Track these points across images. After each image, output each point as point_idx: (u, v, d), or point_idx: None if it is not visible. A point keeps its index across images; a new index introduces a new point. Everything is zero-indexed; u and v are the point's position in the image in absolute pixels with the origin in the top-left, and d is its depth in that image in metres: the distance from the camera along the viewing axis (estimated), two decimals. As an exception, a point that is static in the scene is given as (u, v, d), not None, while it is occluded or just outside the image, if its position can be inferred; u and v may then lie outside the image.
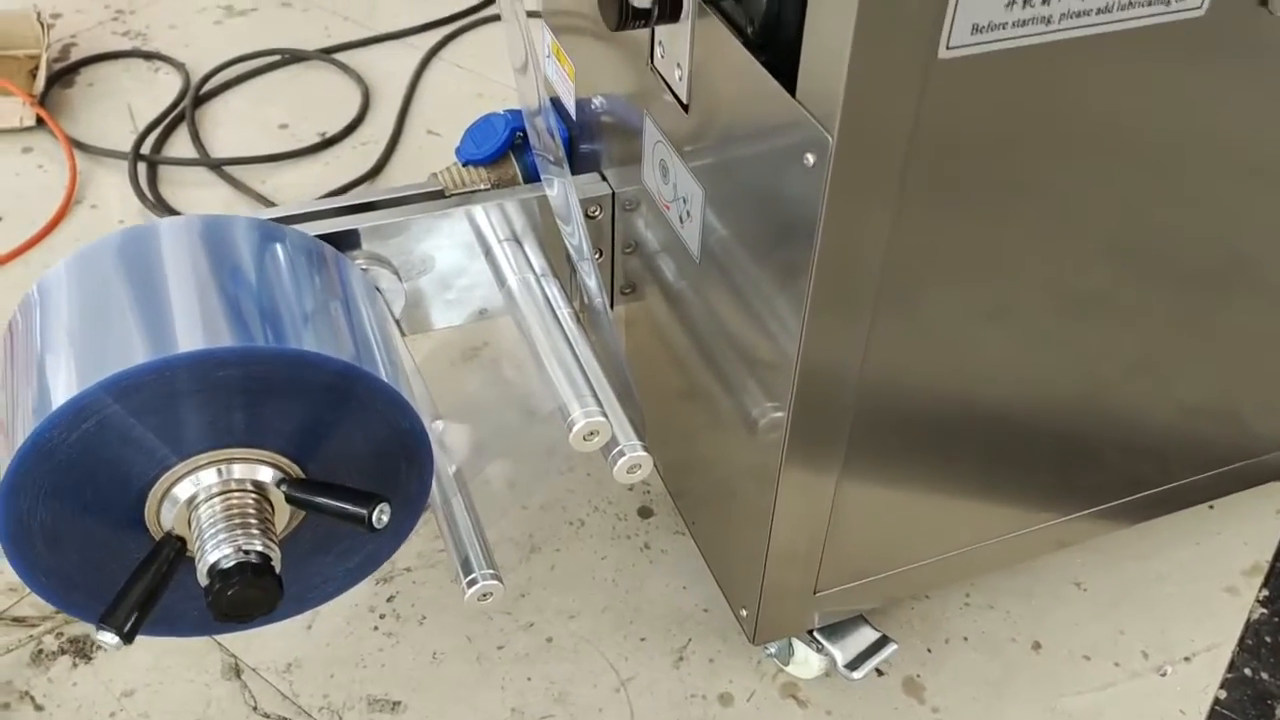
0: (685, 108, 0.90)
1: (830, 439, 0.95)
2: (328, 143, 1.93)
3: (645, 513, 1.35)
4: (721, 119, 0.86)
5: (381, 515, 0.82)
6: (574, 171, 1.27)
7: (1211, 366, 1.12)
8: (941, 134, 0.73)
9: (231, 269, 0.87)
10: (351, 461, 0.87)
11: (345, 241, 1.07)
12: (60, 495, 0.81)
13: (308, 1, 2.32)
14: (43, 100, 1.96)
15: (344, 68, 2.12)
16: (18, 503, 0.80)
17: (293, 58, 2.14)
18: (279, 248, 0.92)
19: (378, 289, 1.09)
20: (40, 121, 1.93)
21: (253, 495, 0.85)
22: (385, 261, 1.10)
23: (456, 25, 2.23)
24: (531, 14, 2.20)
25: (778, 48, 0.81)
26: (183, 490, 0.83)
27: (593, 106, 1.18)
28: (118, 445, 0.80)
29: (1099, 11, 0.70)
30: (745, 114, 0.81)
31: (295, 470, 0.86)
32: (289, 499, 0.85)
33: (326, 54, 2.15)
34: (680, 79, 0.89)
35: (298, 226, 1.05)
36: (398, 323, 1.12)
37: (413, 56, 2.16)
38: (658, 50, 0.92)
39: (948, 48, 0.68)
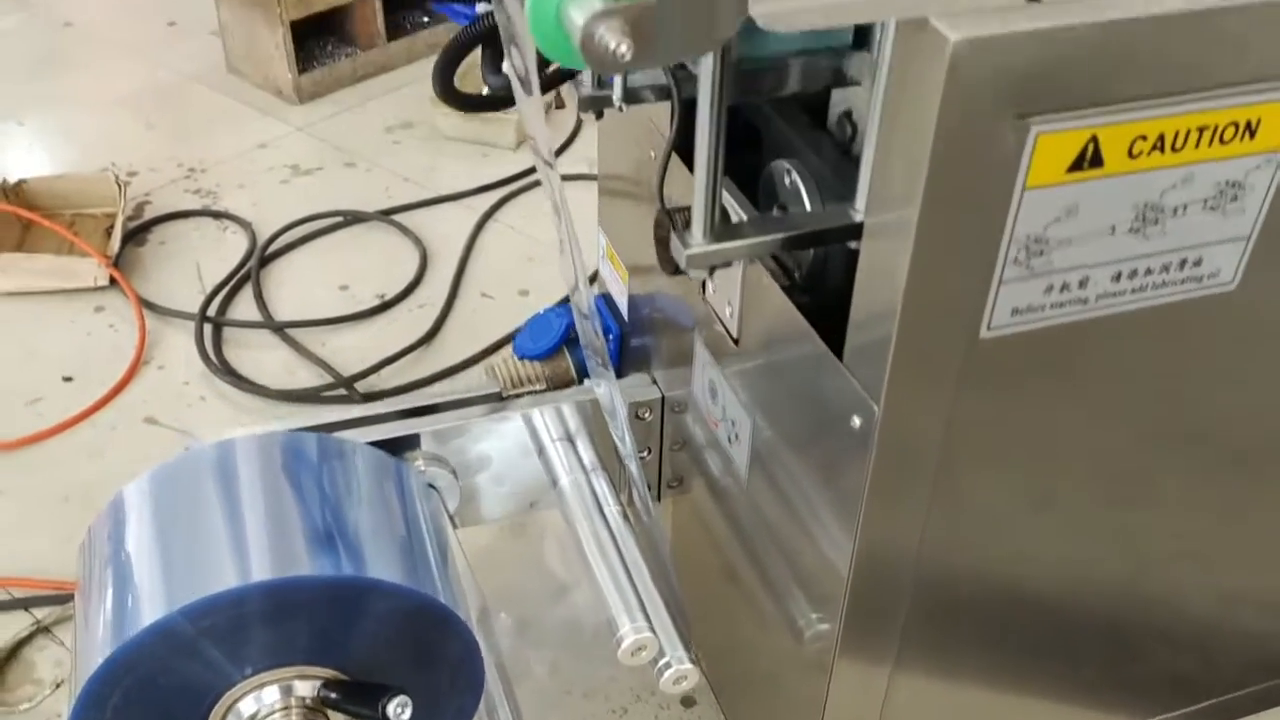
0: (735, 341, 0.95)
1: (876, 654, 0.96)
2: (385, 305, 2.00)
3: (688, 702, 1.35)
4: (770, 362, 0.90)
5: (400, 711, 0.84)
6: (624, 366, 1.32)
7: (1255, 559, 1.12)
8: (986, 390, 0.77)
9: (303, 493, 0.92)
10: (403, 671, 0.90)
11: (406, 443, 1.12)
12: (131, 707, 0.84)
13: (370, 162, 2.43)
14: (117, 260, 2.05)
15: (403, 229, 2.20)
16: (90, 715, 0.83)
17: (354, 219, 2.23)
18: (346, 465, 0.97)
19: (434, 487, 1.13)
20: (113, 280, 2.02)
21: (309, 710, 0.88)
22: (443, 462, 1.14)
23: (511, 188, 2.32)
24: (583, 177, 2.25)
25: (824, 294, 0.86)
26: (246, 707, 0.86)
27: (644, 311, 1.23)
28: (189, 664, 0.83)
29: (1134, 291, 0.74)
30: (793, 365, 0.85)
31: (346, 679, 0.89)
32: (323, 701, 0.88)
33: (386, 215, 2.24)
34: (730, 315, 0.94)
35: (365, 430, 1.11)
36: (452, 518, 1.16)
37: (469, 218, 2.24)
38: (709, 285, 0.97)
39: (989, 329, 0.72)
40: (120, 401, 1.79)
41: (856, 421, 0.76)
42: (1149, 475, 0.95)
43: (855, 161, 0.86)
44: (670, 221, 0.84)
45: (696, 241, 0.77)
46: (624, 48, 0.62)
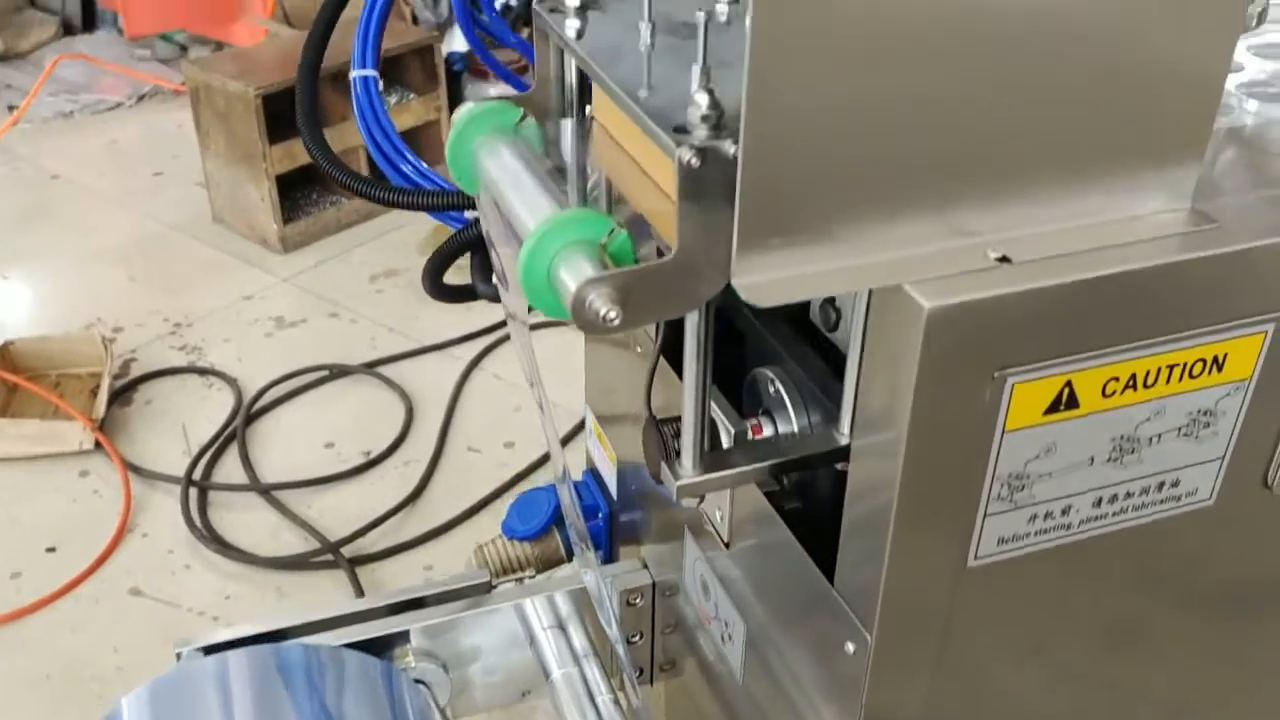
0: (726, 545, 0.96)
1: None
2: (371, 463, 2.00)
3: None
4: (762, 573, 0.91)
5: None
6: (614, 544, 1.32)
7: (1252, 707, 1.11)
8: (976, 610, 0.78)
9: (296, 711, 0.91)
10: None
11: (397, 639, 1.11)
12: None
13: (354, 312, 2.46)
14: (102, 422, 2.06)
15: (388, 381, 2.22)
16: None
17: (340, 372, 2.25)
18: (336, 676, 0.97)
19: (424, 682, 1.12)
20: (99, 443, 2.02)
21: None
22: (434, 656, 1.13)
23: (496, 336, 2.35)
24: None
25: (814, 500, 0.87)
26: None
27: (633, 488, 1.24)
28: None
29: (1115, 514, 0.76)
30: (786, 580, 0.86)
31: None
32: None
33: (371, 368, 2.26)
34: (721, 520, 0.95)
35: (355, 628, 1.10)
36: (442, 710, 1.15)
37: (454, 368, 2.26)
38: (700, 487, 0.98)
39: (976, 558, 0.73)
40: (104, 572, 1.78)
41: (850, 648, 0.77)
42: (1145, 644, 0.95)
43: (837, 365, 0.88)
44: (660, 436, 0.85)
45: (687, 472, 0.79)
46: (613, 313, 0.64)
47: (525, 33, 3.50)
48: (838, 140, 0.62)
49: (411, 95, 2.88)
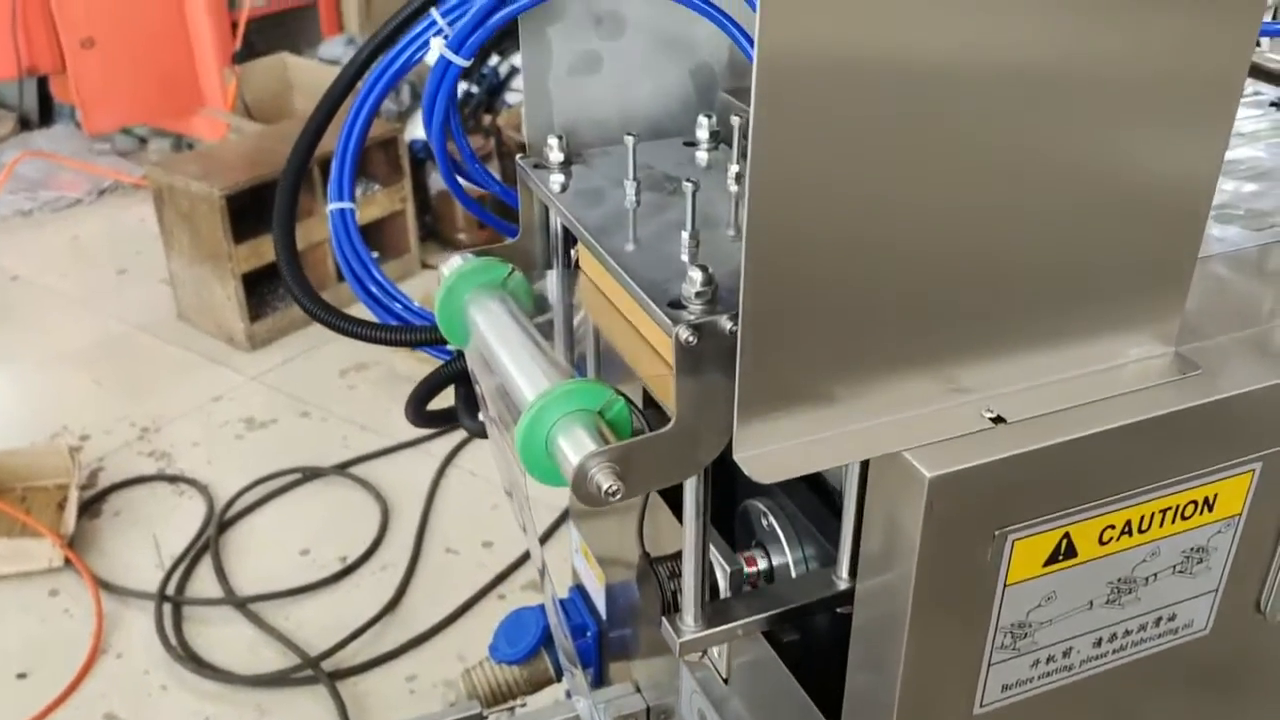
0: (725, 680, 0.95)
1: None
2: (348, 570, 1.98)
3: None
4: (764, 712, 0.90)
5: None
6: (603, 662, 1.31)
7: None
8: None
9: None
10: None
11: (389, 779, 1.09)
12: None
13: (325, 410, 2.44)
14: (71, 536, 2.02)
15: (362, 482, 2.20)
16: None
17: (312, 474, 2.23)
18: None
19: (420, 820, 1.10)
20: (68, 559, 1.98)
21: None
22: (428, 794, 1.11)
23: (469, 430, 2.34)
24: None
25: (811, 634, 0.87)
26: None
27: (622, 603, 1.22)
28: None
29: (1115, 652, 0.76)
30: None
31: None
32: None
33: (343, 469, 2.24)
34: (719, 656, 0.94)
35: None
36: None
37: (429, 465, 2.24)
38: (695, 620, 0.97)
39: (981, 706, 0.73)
40: (78, 698, 1.73)
41: (858, 798, 0.76)
42: None
43: (828, 496, 0.88)
44: (657, 582, 0.85)
45: (689, 628, 0.78)
46: (614, 487, 0.64)
47: (487, 120, 3.50)
48: (835, 308, 0.63)
49: (376, 187, 2.89)
